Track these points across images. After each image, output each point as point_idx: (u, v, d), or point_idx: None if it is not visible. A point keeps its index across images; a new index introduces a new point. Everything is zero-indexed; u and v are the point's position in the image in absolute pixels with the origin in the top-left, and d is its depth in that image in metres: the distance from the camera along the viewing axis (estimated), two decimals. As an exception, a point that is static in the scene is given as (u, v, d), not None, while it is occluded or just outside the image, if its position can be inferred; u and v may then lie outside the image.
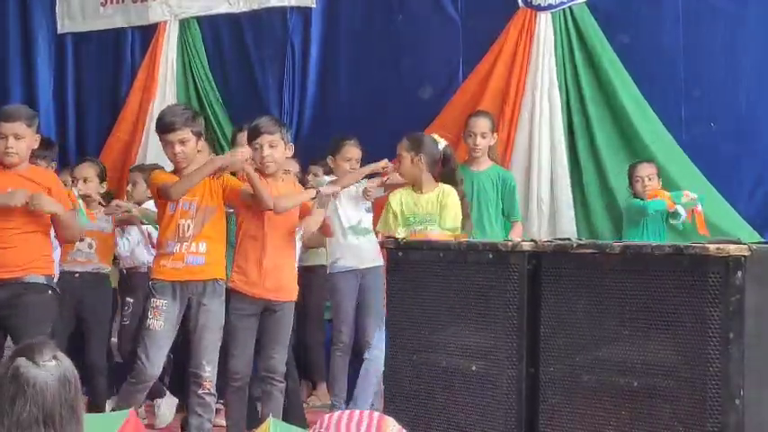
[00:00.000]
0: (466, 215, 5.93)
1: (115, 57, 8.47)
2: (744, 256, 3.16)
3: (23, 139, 5.34)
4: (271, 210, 5.30)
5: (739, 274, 3.15)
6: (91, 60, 8.59)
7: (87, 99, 8.59)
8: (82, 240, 6.04)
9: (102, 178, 6.59)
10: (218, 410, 6.41)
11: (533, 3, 6.93)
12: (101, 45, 8.53)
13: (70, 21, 8.60)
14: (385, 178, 6.33)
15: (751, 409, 3.18)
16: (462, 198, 5.91)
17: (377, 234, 6.09)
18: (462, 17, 7.24)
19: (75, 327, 6.36)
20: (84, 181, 6.43)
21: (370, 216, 6.36)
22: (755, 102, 6.50)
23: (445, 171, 5.97)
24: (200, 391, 5.23)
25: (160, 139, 5.39)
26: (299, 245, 6.17)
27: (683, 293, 3.22)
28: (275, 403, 5.45)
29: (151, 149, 7.63)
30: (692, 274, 3.21)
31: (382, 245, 4.22)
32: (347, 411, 2.40)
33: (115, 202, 6.59)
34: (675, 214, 6.33)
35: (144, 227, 6.52)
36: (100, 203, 6.49)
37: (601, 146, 6.76)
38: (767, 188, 6.51)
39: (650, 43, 6.73)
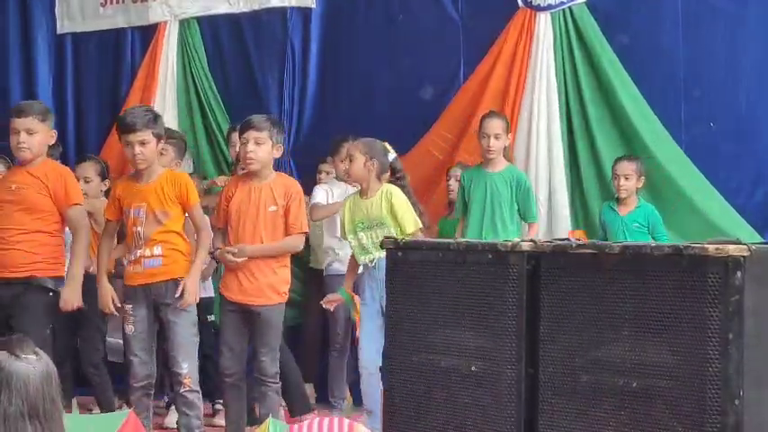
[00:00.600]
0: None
1: (115, 57, 8.47)
2: (743, 256, 3.15)
3: (36, 134, 5.36)
4: None
5: (739, 274, 3.15)
6: (91, 60, 8.59)
7: (87, 99, 8.59)
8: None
9: (103, 177, 6.59)
10: (218, 411, 6.44)
11: (533, 3, 6.93)
12: (101, 45, 8.53)
13: (70, 21, 8.60)
14: None
15: (750, 409, 3.17)
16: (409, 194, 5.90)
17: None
18: (462, 17, 7.24)
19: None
20: (86, 180, 6.43)
21: None
22: (755, 102, 6.50)
23: (396, 184, 5.93)
24: (181, 390, 5.28)
25: (120, 140, 5.44)
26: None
27: (682, 294, 3.22)
28: (269, 403, 5.47)
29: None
30: (692, 274, 3.21)
31: (381, 245, 4.20)
32: (317, 418, 2.41)
33: None
34: None
35: None
36: None
37: (600, 146, 6.76)
38: (767, 188, 6.50)
39: (650, 43, 6.73)
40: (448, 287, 3.76)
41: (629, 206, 6.47)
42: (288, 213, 5.48)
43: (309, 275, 7.10)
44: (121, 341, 6.25)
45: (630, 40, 6.74)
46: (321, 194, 6.72)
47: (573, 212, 6.81)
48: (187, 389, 5.26)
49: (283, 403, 6.28)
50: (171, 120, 7.70)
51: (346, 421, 2.50)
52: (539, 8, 6.92)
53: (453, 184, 6.71)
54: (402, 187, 5.88)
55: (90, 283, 6.35)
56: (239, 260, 5.39)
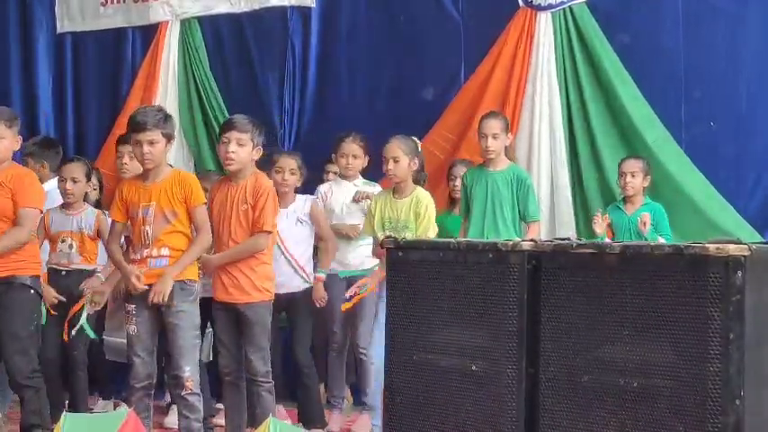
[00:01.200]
0: None
1: (115, 57, 8.47)
2: (744, 255, 3.15)
3: (3, 140, 5.36)
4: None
5: (739, 274, 3.14)
6: (91, 60, 8.59)
7: (87, 99, 8.59)
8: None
9: (88, 178, 6.60)
10: (218, 410, 6.44)
11: (534, 3, 6.94)
12: (101, 45, 8.53)
13: (70, 20, 8.60)
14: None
15: (751, 409, 3.17)
16: None
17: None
18: (463, 17, 7.24)
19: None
20: (73, 180, 6.42)
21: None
22: (755, 102, 6.50)
23: (419, 178, 6.06)
24: (182, 393, 5.27)
25: (130, 139, 5.43)
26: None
27: (682, 293, 3.22)
28: (264, 403, 5.47)
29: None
30: (692, 274, 3.20)
31: (381, 245, 4.20)
32: None
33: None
34: None
35: None
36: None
37: (601, 145, 6.76)
38: (767, 188, 6.51)
39: (650, 43, 6.73)
40: (448, 287, 3.76)
41: (636, 205, 6.47)
42: (254, 211, 5.46)
43: None
44: (119, 340, 6.27)
45: (631, 40, 6.74)
46: (319, 193, 6.71)
47: (574, 212, 6.80)
48: (188, 392, 5.25)
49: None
50: (172, 119, 7.70)
51: None
52: (539, 8, 6.92)
53: (458, 184, 6.70)
54: (423, 181, 6.02)
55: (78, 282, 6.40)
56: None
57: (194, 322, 5.33)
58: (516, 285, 3.57)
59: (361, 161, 6.56)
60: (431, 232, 5.85)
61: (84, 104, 8.59)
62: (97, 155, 8.04)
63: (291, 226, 6.31)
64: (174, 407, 6.32)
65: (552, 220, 6.79)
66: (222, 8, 8.03)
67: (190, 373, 5.23)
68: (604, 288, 3.40)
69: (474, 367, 3.65)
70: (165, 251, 5.29)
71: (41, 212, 5.71)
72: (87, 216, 6.43)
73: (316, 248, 6.57)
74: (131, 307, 5.36)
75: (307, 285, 6.35)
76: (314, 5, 7.72)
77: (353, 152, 6.54)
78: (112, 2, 8.42)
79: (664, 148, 6.59)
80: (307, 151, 7.13)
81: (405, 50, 7.45)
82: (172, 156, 6.96)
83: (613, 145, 6.74)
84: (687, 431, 3.18)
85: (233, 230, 5.47)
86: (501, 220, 6.25)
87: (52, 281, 6.27)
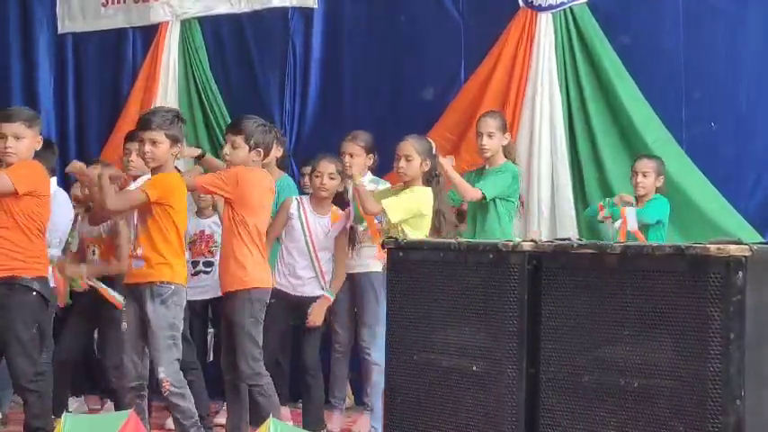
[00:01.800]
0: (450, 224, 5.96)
1: (116, 57, 8.48)
2: (744, 256, 3.15)
3: (24, 139, 5.36)
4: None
5: (740, 274, 3.15)
6: (92, 61, 8.59)
7: (88, 99, 8.59)
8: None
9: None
10: (218, 411, 6.45)
11: (534, 3, 6.94)
12: (102, 45, 8.53)
13: (71, 21, 8.61)
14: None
15: (752, 409, 3.18)
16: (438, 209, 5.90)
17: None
18: (463, 17, 7.24)
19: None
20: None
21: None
22: (756, 102, 6.50)
23: (432, 183, 5.99)
24: (165, 395, 5.27)
25: (137, 136, 5.47)
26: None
27: (683, 294, 3.22)
28: (257, 408, 5.50)
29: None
30: (693, 274, 3.21)
31: (382, 245, 4.20)
32: None
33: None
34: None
35: None
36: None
37: (601, 146, 6.77)
38: (767, 188, 6.51)
39: (651, 44, 6.73)
40: (449, 287, 3.77)
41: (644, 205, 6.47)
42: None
43: None
44: None
45: (631, 41, 6.74)
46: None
47: (575, 212, 6.80)
48: (167, 392, 5.25)
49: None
50: (172, 119, 7.71)
51: None
52: (540, 8, 6.92)
53: None
54: (437, 185, 5.95)
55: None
56: None
57: (169, 323, 5.27)
58: (517, 286, 3.57)
59: (363, 159, 6.53)
60: (395, 212, 5.73)
61: (85, 105, 8.60)
62: (99, 155, 8.03)
63: (322, 234, 6.30)
64: None
65: (553, 220, 6.79)
66: (223, 8, 8.03)
67: (164, 374, 5.20)
68: (605, 288, 3.40)
69: (474, 367, 3.65)
70: (140, 251, 5.30)
71: (16, 191, 5.45)
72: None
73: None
74: (124, 304, 5.41)
75: (322, 292, 6.34)
76: (316, 6, 7.72)
77: (351, 150, 6.53)
78: (113, 2, 8.42)
79: (664, 149, 6.59)
80: (307, 152, 7.15)
81: (405, 51, 7.45)
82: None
83: (614, 145, 6.74)
84: (687, 431, 3.19)
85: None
86: (495, 217, 6.26)
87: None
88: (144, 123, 5.35)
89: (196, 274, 6.58)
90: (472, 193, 6.15)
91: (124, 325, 5.34)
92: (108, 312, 6.20)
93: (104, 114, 8.43)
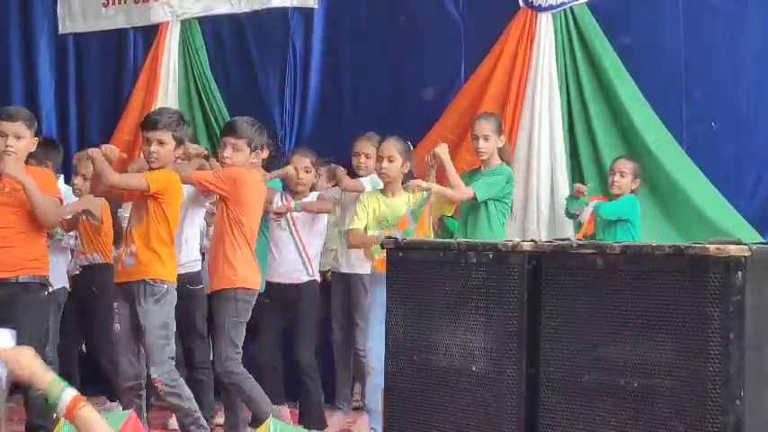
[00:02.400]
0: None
1: (117, 57, 8.49)
2: (744, 256, 3.15)
3: (23, 139, 5.40)
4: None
5: (740, 274, 3.14)
6: (92, 61, 8.60)
7: (89, 100, 8.60)
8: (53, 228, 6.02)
9: None
10: (217, 411, 6.45)
11: (534, 3, 6.94)
12: (102, 46, 8.54)
13: (71, 21, 8.61)
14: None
15: (751, 409, 3.17)
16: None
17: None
18: (464, 17, 7.24)
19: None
20: (85, 178, 6.51)
21: None
22: (756, 102, 6.51)
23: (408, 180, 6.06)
24: (160, 394, 5.27)
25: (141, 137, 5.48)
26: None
27: (683, 293, 3.22)
28: (234, 410, 5.53)
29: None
30: (693, 274, 3.21)
31: (382, 245, 4.20)
32: None
33: None
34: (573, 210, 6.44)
35: None
36: None
37: (601, 146, 6.77)
38: (767, 188, 6.51)
39: (651, 44, 6.73)
40: (448, 287, 3.76)
41: None
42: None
43: None
44: None
45: (631, 41, 6.74)
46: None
47: (575, 212, 6.81)
48: (162, 392, 5.26)
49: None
50: (172, 120, 7.71)
51: None
52: (540, 9, 6.92)
53: None
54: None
55: (100, 275, 6.45)
56: None
57: (161, 322, 5.28)
58: (516, 286, 3.57)
59: (373, 161, 6.56)
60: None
61: (87, 105, 8.60)
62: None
63: (307, 218, 6.32)
64: None
65: (552, 220, 6.79)
66: (223, 9, 8.04)
67: (156, 374, 5.21)
68: (605, 288, 3.40)
69: (474, 368, 3.65)
70: (133, 248, 5.31)
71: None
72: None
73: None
74: (115, 304, 5.38)
75: (310, 279, 6.33)
76: (316, 6, 7.72)
77: (367, 151, 6.57)
78: (114, 3, 8.42)
79: (664, 148, 6.59)
80: (308, 152, 7.11)
81: (405, 51, 7.45)
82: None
83: (614, 144, 6.74)
84: (687, 431, 3.19)
85: None
86: (485, 218, 6.27)
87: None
88: (151, 123, 5.36)
89: None
90: (465, 191, 6.15)
91: (117, 326, 5.34)
92: (99, 310, 6.27)
93: (105, 114, 8.43)
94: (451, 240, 4.08)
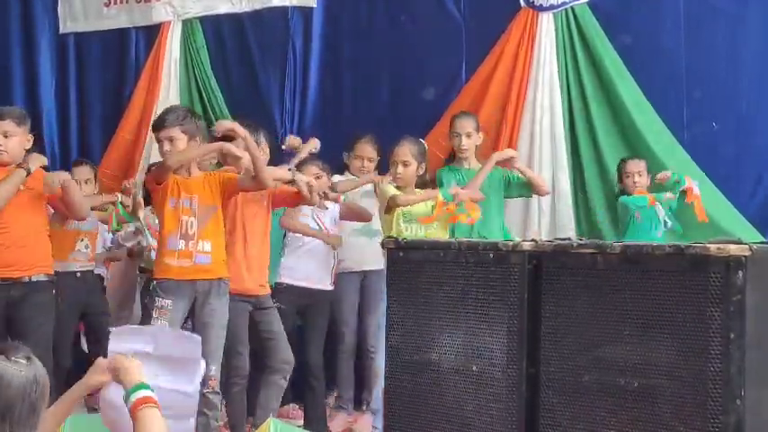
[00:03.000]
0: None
1: (118, 57, 8.47)
2: (744, 255, 3.15)
3: (14, 137, 5.39)
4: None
5: (740, 273, 3.15)
6: (94, 61, 8.58)
7: (90, 100, 8.58)
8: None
9: (95, 180, 6.74)
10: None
11: (535, 3, 6.94)
12: (104, 45, 8.52)
13: (73, 21, 8.60)
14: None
15: (752, 409, 3.18)
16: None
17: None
18: (464, 17, 7.24)
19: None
20: (86, 182, 6.54)
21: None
22: (756, 101, 6.51)
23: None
24: (205, 391, 5.23)
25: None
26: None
27: (683, 293, 3.22)
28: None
29: (155, 149, 7.63)
30: (693, 273, 3.21)
31: (383, 245, 4.20)
32: None
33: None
34: (664, 222, 6.39)
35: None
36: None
37: (602, 145, 6.77)
38: (767, 188, 6.51)
39: (651, 43, 6.74)
40: (449, 287, 3.77)
41: None
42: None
43: None
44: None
45: (632, 40, 6.75)
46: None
47: (575, 211, 6.81)
48: (210, 390, 5.21)
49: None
50: (173, 119, 7.71)
51: None
52: (541, 8, 6.92)
53: None
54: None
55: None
56: None
57: (223, 321, 5.25)
58: (517, 285, 3.57)
59: (375, 164, 6.57)
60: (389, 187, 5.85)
61: (88, 105, 8.58)
62: (101, 155, 8.05)
63: (332, 225, 6.32)
64: None
65: (553, 220, 6.79)
66: (223, 8, 8.03)
67: (215, 372, 5.17)
68: (605, 288, 3.40)
69: (475, 367, 3.66)
70: (207, 246, 5.23)
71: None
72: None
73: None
74: (167, 302, 5.17)
75: (328, 288, 6.33)
76: (315, 5, 7.72)
77: (369, 154, 6.56)
78: (115, 2, 8.42)
79: (665, 148, 6.60)
80: (308, 152, 7.11)
81: (405, 51, 7.45)
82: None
83: (615, 144, 6.75)
84: (687, 431, 3.19)
85: None
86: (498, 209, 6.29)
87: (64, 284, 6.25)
88: (158, 123, 5.35)
89: None
90: (546, 187, 6.48)
91: (164, 323, 5.18)
92: (96, 306, 6.28)
93: (106, 114, 8.42)
94: (452, 240, 4.08)
